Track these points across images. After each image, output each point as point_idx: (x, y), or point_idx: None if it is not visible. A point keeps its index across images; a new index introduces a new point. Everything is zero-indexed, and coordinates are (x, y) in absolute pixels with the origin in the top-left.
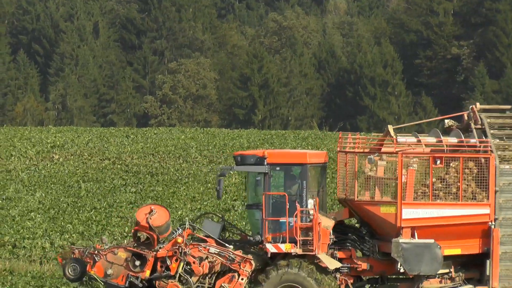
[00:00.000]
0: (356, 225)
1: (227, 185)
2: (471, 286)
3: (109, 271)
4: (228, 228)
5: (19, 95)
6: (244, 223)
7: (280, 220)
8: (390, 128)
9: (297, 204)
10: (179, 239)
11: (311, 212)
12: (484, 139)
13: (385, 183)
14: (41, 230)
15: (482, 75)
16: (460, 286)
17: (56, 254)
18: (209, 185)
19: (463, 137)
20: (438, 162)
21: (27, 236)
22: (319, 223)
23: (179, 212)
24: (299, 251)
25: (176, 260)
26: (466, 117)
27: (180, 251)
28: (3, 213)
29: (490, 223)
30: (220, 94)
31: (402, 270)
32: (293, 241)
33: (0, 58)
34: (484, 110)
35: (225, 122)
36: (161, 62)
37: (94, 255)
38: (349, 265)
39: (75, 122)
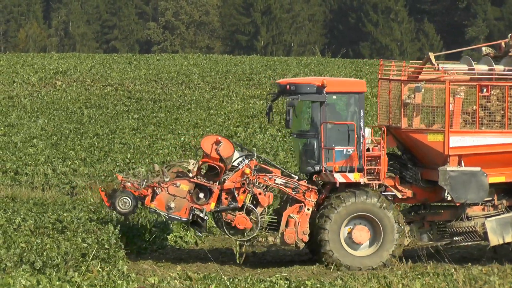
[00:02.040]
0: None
1: (229, 111)
2: None
3: (172, 204)
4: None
5: (22, 21)
6: None
7: (345, 149)
8: (431, 55)
9: (362, 133)
10: (247, 170)
11: (368, 140)
12: None
13: (424, 110)
14: (43, 156)
15: (484, 2)
16: (502, 213)
17: (58, 180)
18: (211, 111)
19: (493, 65)
20: (485, 90)
21: (29, 162)
22: None
23: (182, 138)
24: (366, 180)
25: (244, 191)
26: (503, 45)
27: (248, 182)
28: (5, 139)
29: None
30: (222, 21)
31: (449, 198)
32: (358, 170)
33: None
34: None
35: (227, 48)
36: None
37: (155, 188)
38: (393, 193)
39: (77, 49)
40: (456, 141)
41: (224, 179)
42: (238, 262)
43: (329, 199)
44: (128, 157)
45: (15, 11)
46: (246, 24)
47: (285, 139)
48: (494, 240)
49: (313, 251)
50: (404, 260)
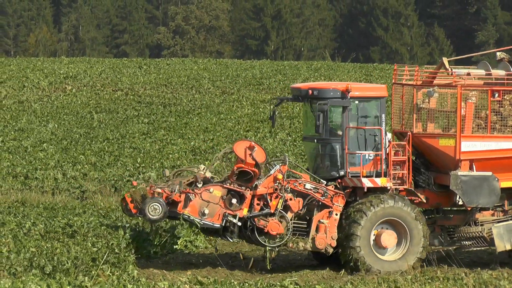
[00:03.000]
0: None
1: (240, 115)
2: None
3: (206, 210)
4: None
5: (32, 26)
6: None
7: (371, 155)
8: (445, 60)
9: (389, 138)
10: (280, 176)
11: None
12: None
13: (438, 115)
14: (53, 161)
15: (494, 6)
16: (511, 219)
17: (68, 184)
18: (222, 116)
19: (511, 70)
20: (496, 95)
21: (39, 167)
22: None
23: (192, 143)
24: (392, 185)
25: (276, 197)
26: None
27: (280, 187)
28: (15, 144)
29: None
30: (233, 25)
31: (460, 203)
32: (385, 175)
33: None
34: None
35: (237, 52)
36: None
37: (189, 194)
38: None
39: (87, 53)
40: (468, 145)
41: (256, 185)
42: (268, 268)
43: (367, 198)
44: (138, 161)
45: (25, 15)
46: (256, 28)
47: (295, 143)
48: (501, 246)
49: (318, 256)
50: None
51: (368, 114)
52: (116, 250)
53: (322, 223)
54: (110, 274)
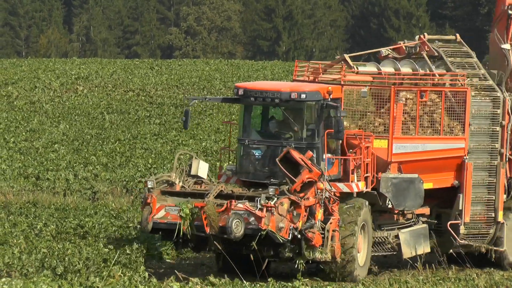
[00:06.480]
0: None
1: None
2: (424, 225)
3: (281, 225)
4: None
5: (43, 27)
6: None
7: (354, 158)
8: (347, 57)
9: (362, 141)
10: (321, 185)
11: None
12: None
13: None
14: (65, 162)
15: None
16: (414, 224)
17: (79, 185)
18: (233, 116)
19: (399, 65)
20: (424, 96)
21: (51, 168)
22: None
23: (203, 144)
24: (365, 189)
25: (319, 207)
26: (404, 47)
27: (321, 197)
28: (27, 145)
29: (464, 157)
30: (244, 26)
31: (390, 206)
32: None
33: None
34: (432, 40)
35: (249, 53)
36: None
37: (272, 209)
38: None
39: (99, 54)
40: (398, 147)
41: (305, 195)
42: (299, 280)
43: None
44: (150, 162)
45: (37, 16)
46: (267, 29)
47: None
48: (407, 252)
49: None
50: (426, 266)
51: (327, 115)
52: (127, 251)
53: (336, 231)
54: (122, 274)
